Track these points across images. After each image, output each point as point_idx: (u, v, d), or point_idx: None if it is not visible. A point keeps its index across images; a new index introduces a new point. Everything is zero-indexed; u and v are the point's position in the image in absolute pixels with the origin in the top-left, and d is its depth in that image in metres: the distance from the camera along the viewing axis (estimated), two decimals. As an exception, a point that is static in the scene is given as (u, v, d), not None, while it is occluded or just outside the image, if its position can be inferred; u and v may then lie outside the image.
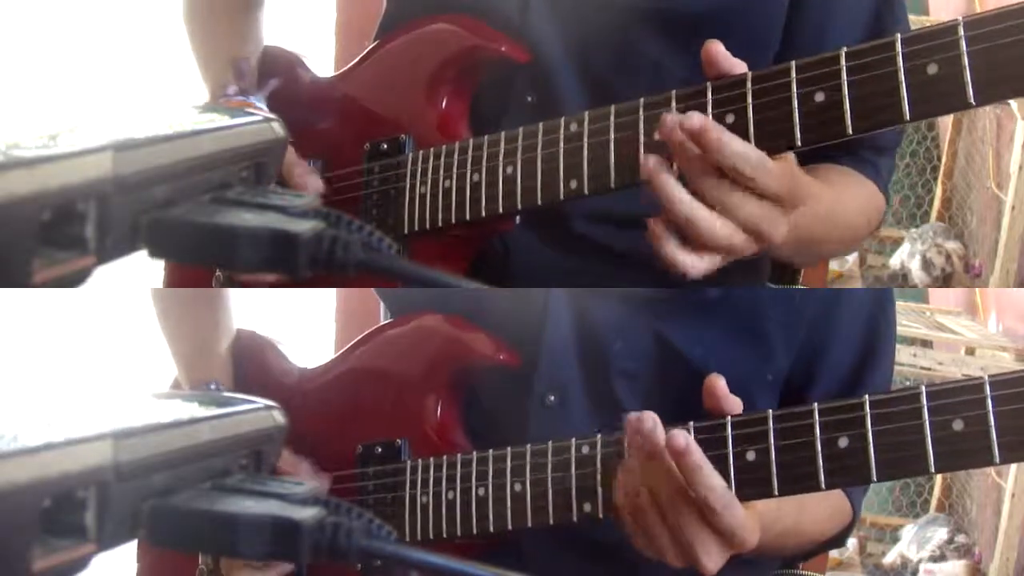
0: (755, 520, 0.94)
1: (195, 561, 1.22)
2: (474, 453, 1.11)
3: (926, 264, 3.35)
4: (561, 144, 1.04)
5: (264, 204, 0.66)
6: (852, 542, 3.17)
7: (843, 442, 0.89)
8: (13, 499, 0.51)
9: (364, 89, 1.24)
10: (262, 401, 0.74)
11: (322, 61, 2.09)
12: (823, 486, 0.90)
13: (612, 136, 1.01)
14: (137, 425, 0.61)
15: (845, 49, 0.90)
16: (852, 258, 3.42)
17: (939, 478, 3.28)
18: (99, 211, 0.57)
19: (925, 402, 0.86)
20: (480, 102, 1.18)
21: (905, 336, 3.04)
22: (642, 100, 0.99)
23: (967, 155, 3.42)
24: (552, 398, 1.15)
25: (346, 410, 1.24)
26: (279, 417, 0.75)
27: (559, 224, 1.16)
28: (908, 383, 2.95)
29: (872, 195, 1.19)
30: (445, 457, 1.13)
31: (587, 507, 1.03)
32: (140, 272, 0.87)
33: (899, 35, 0.88)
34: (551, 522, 1.05)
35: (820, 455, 0.90)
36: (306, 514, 0.63)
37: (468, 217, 1.10)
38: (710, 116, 0.93)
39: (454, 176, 1.12)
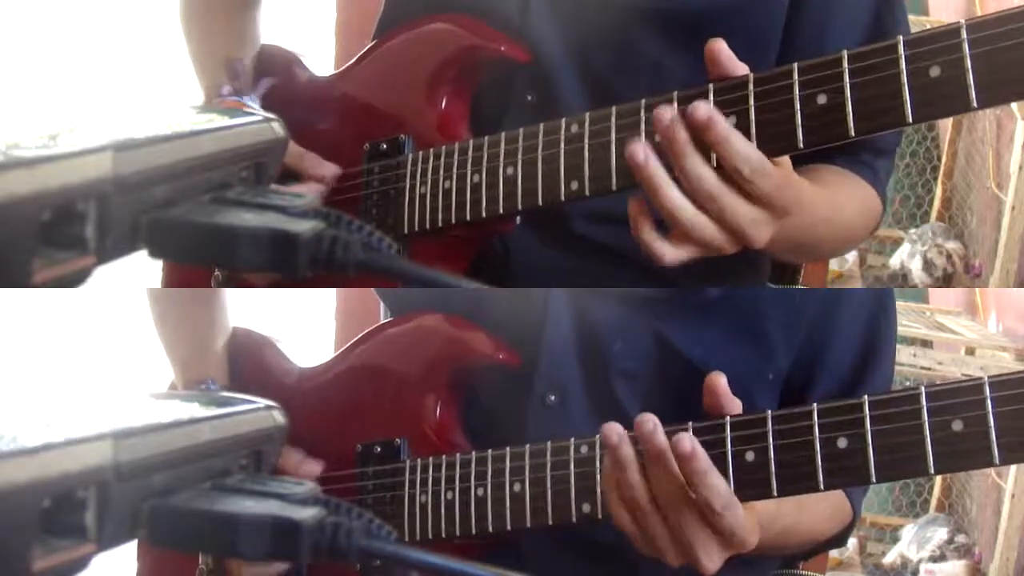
0: (754, 520, 0.94)
1: (195, 561, 1.22)
2: (473, 453, 1.11)
3: (926, 264, 3.35)
4: (562, 145, 1.04)
5: (264, 204, 0.66)
6: (852, 542, 3.17)
7: (842, 443, 0.89)
8: (13, 499, 0.51)
9: (363, 88, 1.24)
10: (262, 401, 0.74)
11: (322, 61, 2.09)
12: (822, 487, 0.90)
13: (613, 137, 1.01)
14: (137, 425, 0.61)
15: (847, 51, 0.90)
16: (852, 258, 3.42)
17: (939, 478, 3.28)
18: (99, 211, 0.57)
19: (925, 403, 0.86)
20: (480, 102, 1.18)
21: (905, 336, 3.04)
22: (643, 101, 0.99)
23: (967, 155, 3.42)
24: (552, 398, 1.15)
25: (345, 409, 1.24)
26: (279, 417, 0.75)
27: (559, 224, 1.16)
28: (908, 383, 2.95)
29: (868, 197, 1.19)
30: (444, 457, 1.13)
31: (586, 508, 1.03)
32: (139, 272, 0.87)
33: (901, 38, 0.88)
34: (550, 522, 1.05)
35: (819, 456, 0.90)
36: (306, 514, 0.63)
37: (468, 218, 1.10)
38: None
39: (454, 176, 1.12)
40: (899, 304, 2.07)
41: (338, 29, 2.43)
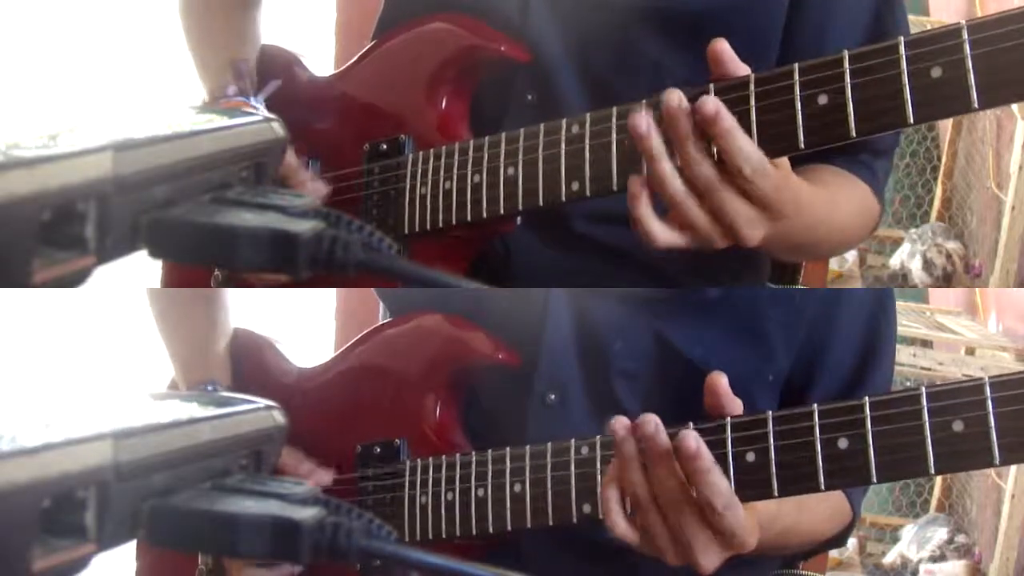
0: (754, 521, 0.94)
1: (195, 561, 1.22)
2: (473, 453, 1.11)
3: (926, 264, 3.35)
4: (563, 145, 1.04)
5: (264, 204, 0.66)
6: (852, 542, 3.17)
7: (843, 443, 0.89)
8: (13, 499, 0.51)
9: (363, 88, 1.24)
10: (262, 401, 0.74)
11: (322, 61, 2.09)
12: (823, 487, 0.90)
13: (614, 137, 1.00)
14: (137, 425, 0.61)
15: (848, 52, 0.90)
16: (852, 258, 3.42)
17: (939, 479, 3.28)
18: (99, 211, 0.57)
19: (925, 403, 0.86)
20: (480, 102, 1.18)
21: (905, 336, 3.04)
22: (644, 102, 0.99)
23: (967, 155, 3.42)
24: (552, 397, 1.15)
25: (345, 409, 1.24)
26: (279, 417, 0.75)
27: (559, 224, 1.16)
28: (908, 383, 2.95)
29: (867, 198, 1.19)
30: (444, 457, 1.13)
31: (586, 508, 1.03)
32: (139, 272, 0.87)
33: (902, 38, 0.88)
34: (550, 523, 1.05)
35: (820, 456, 0.90)
36: (306, 514, 0.63)
37: (469, 218, 1.10)
38: None
39: (455, 177, 1.12)
40: (899, 304, 2.07)
41: (338, 29, 2.43)
